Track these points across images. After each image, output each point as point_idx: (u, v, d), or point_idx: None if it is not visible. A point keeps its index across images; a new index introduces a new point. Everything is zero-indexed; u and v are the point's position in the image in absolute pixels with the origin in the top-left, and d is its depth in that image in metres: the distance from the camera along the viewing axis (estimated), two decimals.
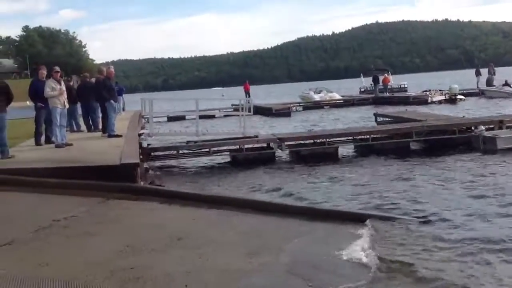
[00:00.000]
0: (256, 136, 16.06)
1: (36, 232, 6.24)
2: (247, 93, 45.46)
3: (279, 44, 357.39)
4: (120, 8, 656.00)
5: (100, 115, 15.59)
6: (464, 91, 38.05)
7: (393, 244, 6.14)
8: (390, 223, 7.10)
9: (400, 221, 7.23)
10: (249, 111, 17.40)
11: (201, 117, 19.37)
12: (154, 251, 5.52)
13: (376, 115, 23.41)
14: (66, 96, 12.52)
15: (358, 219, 7.02)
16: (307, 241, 6.07)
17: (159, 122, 31.25)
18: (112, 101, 14.33)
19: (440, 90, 38.02)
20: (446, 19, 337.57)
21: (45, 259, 5.23)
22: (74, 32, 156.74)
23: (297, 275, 4.94)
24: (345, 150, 16.12)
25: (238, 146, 15.45)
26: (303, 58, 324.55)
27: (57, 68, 12.59)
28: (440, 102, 34.68)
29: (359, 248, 5.83)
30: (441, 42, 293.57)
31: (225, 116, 32.19)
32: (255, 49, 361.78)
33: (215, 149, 15.39)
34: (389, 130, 16.69)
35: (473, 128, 15.78)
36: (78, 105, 16.56)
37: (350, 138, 16.32)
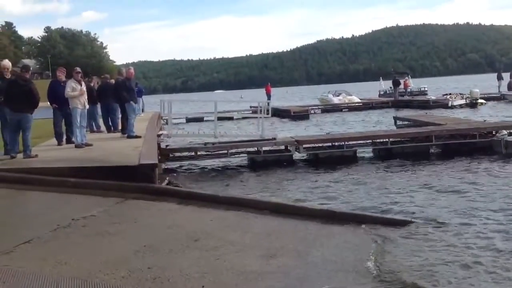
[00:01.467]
0: (274, 139, 16.03)
1: (55, 230, 6.30)
2: (269, 95, 44.69)
3: (298, 46, 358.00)
4: (141, 11, 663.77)
5: (120, 115, 15.72)
6: (485, 95, 37.60)
7: (410, 250, 6.06)
8: (408, 227, 7.03)
9: (418, 226, 7.14)
10: (267, 113, 17.35)
11: (219, 119, 19.40)
12: (171, 252, 5.53)
13: (395, 118, 23.24)
14: (86, 97, 12.66)
15: (376, 222, 6.97)
16: (325, 243, 6.03)
17: (178, 123, 31.41)
18: (131, 102, 14.43)
19: (460, 94, 37.61)
20: (467, 23, 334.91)
21: (64, 257, 5.27)
22: (95, 34, 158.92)
23: (315, 278, 4.91)
24: (364, 153, 16.00)
25: (256, 148, 15.43)
26: (322, 60, 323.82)
27: (78, 69, 12.74)
28: (460, 106, 34.32)
29: (377, 252, 5.78)
30: (462, 46, 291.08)
31: (243, 118, 32.21)
32: (274, 51, 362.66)
33: (233, 151, 15.41)
34: (408, 134, 16.54)
35: (494, 132, 15.58)
36: (98, 105, 16.73)
37: (369, 141, 16.21)
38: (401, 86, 44.42)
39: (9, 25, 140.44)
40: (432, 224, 7.33)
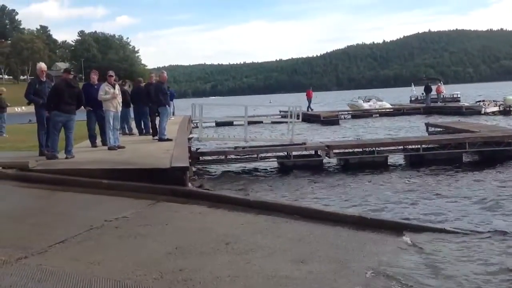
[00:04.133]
0: (304, 143, 16.00)
1: (88, 231, 6.38)
2: (310, 100, 43.05)
3: (328, 51, 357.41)
4: (173, 16, 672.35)
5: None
6: None
7: (444, 259, 5.94)
8: (441, 235, 6.90)
9: (452, 234, 7.00)
10: (298, 118, 17.32)
11: (249, 123, 19.45)
12: (202, 254, 5.54)
13: (427, 125, 22.94)
14: (119, 100, 12.79)
15: (409, 230, 6.87)
16: (357, 249, 5.97)
17: (208, 127, 31.60)
18: (166, 106, 14.56)
19: (494, 101, 36.94)
20: (501, 29, 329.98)
21: (97, 258, 5.33)
22: (127, 38, 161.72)
23: (346, 284, 4.86)
24: (395, 159, 15.82)
25: (286, 153, 15.42)
26: (352, 66, 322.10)
27: (111, 73, 12.91)
28: (493, 113, 33.73)
29: (410, 259, 5.70)
30: (495, 52, 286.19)
31: (273, 122, 32.21)
32: (304, 56, 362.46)
33: (263, 155, 15.41)
34: (441, 140, 16.30)
35: None
36: (131, 108, 16.94)
37: (400, 147, 16.03)
38: (434, 92, 43.89)
39: (44, 28, 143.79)
40: (464, 234, 7.16)
